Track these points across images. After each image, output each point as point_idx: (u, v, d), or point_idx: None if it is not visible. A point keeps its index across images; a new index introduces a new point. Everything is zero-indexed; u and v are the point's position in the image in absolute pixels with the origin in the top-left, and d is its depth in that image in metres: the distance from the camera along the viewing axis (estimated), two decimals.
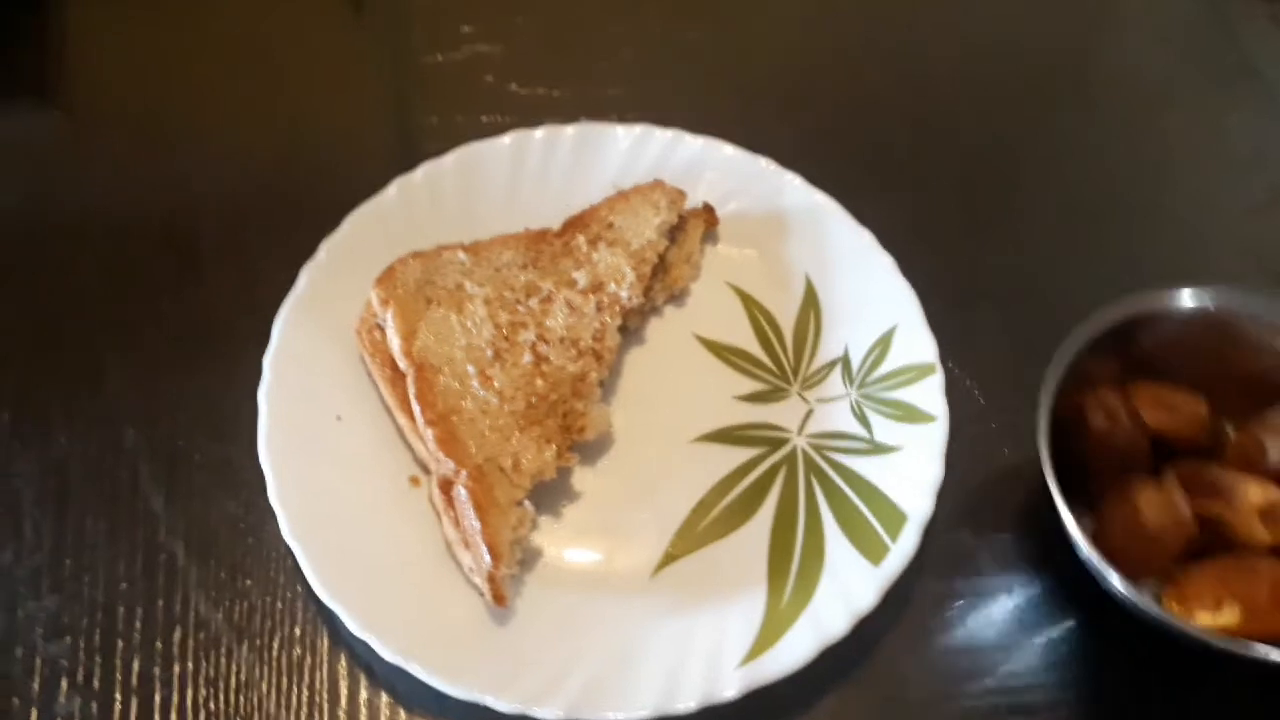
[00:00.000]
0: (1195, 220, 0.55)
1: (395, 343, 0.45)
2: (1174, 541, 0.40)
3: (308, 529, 0.42)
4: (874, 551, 0.41)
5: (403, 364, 0.45)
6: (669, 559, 0.43)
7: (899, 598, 0.42)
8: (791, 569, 0.42)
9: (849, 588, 0.41)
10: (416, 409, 0.43)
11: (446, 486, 0.42)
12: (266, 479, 0.43)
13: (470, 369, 0.45)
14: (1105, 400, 0.42)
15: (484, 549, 0.40)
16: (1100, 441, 0.41)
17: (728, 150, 0.52)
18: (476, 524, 0.40)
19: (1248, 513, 0.39)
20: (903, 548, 0.41)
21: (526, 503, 0.42)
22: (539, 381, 0.45)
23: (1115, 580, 0.38)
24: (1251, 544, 0.40)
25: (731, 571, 0.42)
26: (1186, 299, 0.43)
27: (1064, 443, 0.40)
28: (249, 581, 0.44)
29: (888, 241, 0.49)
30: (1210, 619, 0.38)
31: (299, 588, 0.43)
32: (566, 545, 0.43)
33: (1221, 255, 0.54)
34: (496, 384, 0.44)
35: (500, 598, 0.40)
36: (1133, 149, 0.58)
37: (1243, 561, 0.39)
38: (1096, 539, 0.39)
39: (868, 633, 0.41)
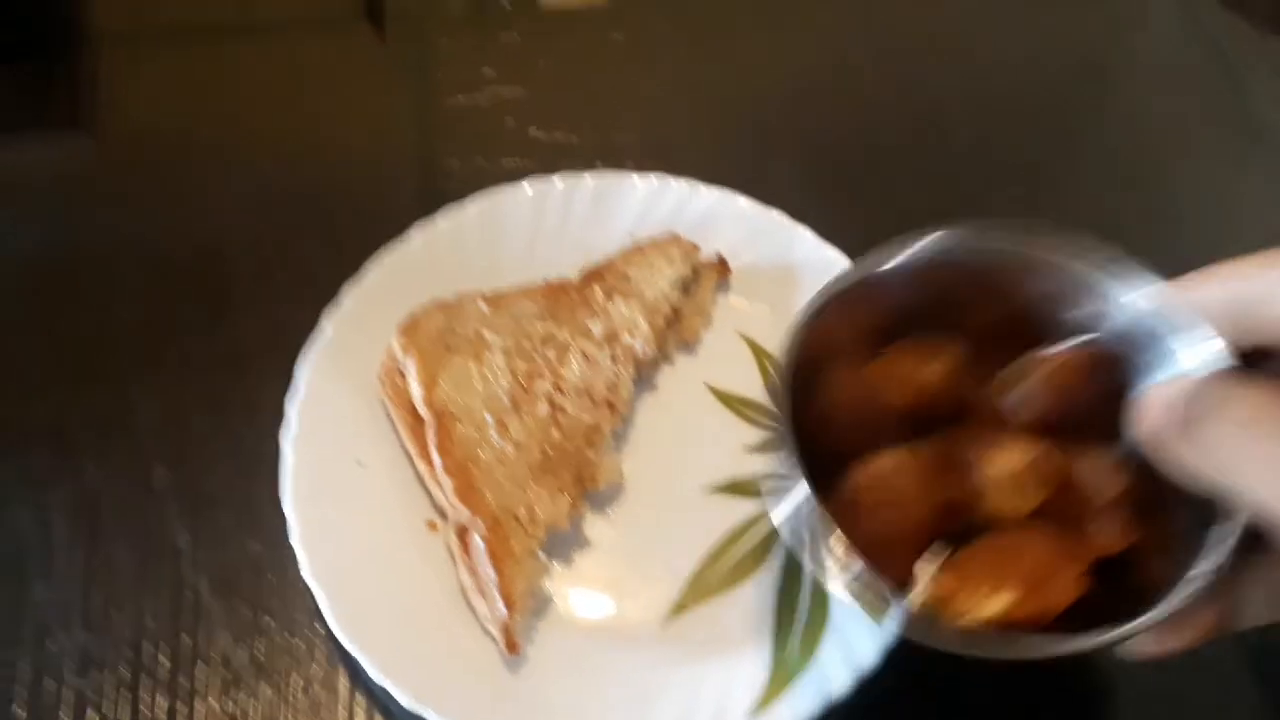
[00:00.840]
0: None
1: (416, 391, 0.46)
2: (910, 518, 0.36)
3: (328, 572, 0.43)
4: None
5: (423, 412, 0.46)
6: (679, 609, 0.44)
7: (903, 655, 0.43)
8: (797, 624, 0.43)
9: (852, 645, 0.42)
10: (436, 458, 0.45)
11: (463, 534, 0.44)
12: (289, 522, 0.44)
13: (488, 418, 0.46)
14: (831, 380, 0.38)
15: (499, 599, 0.41)
16: (828, 427, 0.38)
17: (741, 203, 0.53)
18: (492, 574, 0.42)
19: (999, 482, 0.36)
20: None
21: (541, 553, 0.44)
22: (554, 431, 0.46)
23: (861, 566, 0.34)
24: (1010, 516, 0.36)
25: (740, 623, 0.44)
26: (922, 249, 0.39)
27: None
28: (271, 620, 0.45)
29: None
30: (982, 609, 0.34)
31: (319, 626, 0.45)
32: (578, 593, 0.45)
33: None
34: (513, 433, 0.46)
35: (513, 646, 0.42)
36: (1143, 202, 0.59)
37: (1009, 538, 0.36)
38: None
39: (874, 690, 0.42)
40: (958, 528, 0.37)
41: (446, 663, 0.42)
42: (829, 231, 0.52)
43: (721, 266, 0.52)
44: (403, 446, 0.47)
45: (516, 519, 0.44)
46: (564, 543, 0.46)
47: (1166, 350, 0.35)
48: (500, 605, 0.42)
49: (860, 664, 0.41)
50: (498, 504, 0.44)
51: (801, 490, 0.35)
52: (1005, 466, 0.36)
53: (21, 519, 0.47)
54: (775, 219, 0.53)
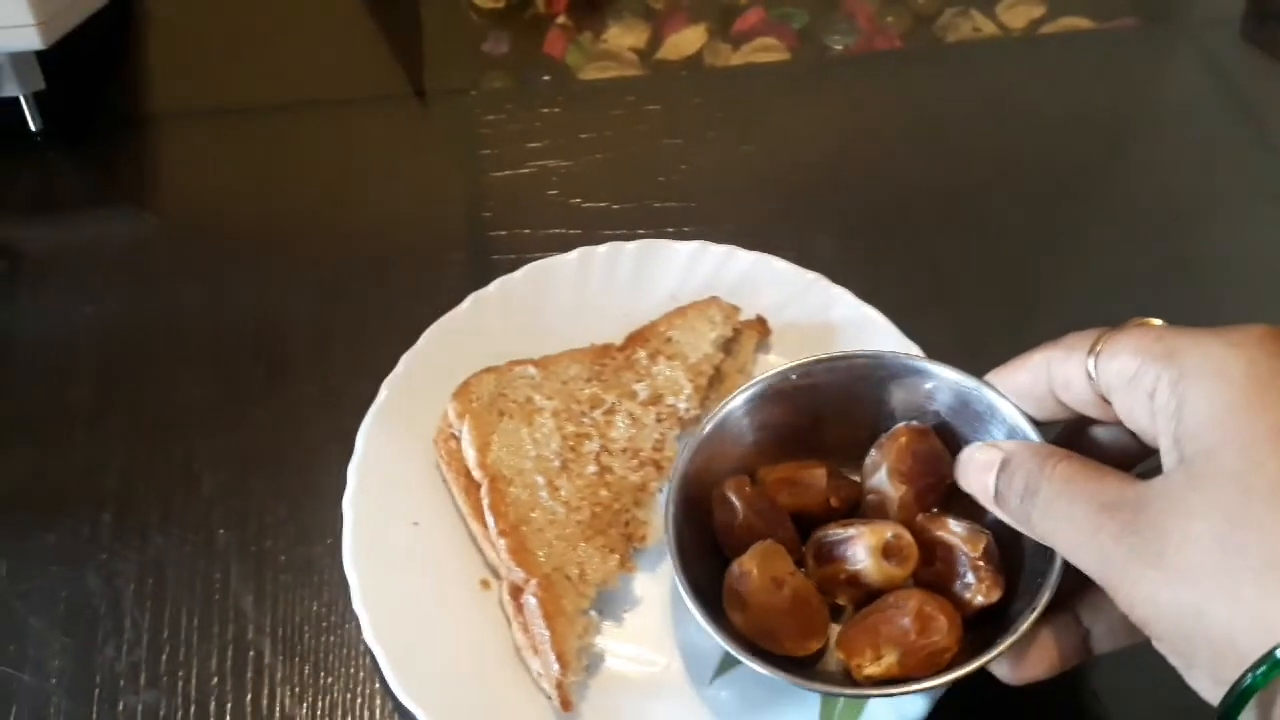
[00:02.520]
0: None
1: (470, 455, 0.48)
2: (773, 603, 0.41)
3: (387, 633, 0.44)
4: None
5: (477, 475, 0.48)
6: (727, 664, 0.45)
7: (953, 704, 0.43)
8: None
9: (900, 697, 0.42)
10: (490, 519, 0.46)
11: (516, 594, 0.45)
12: (350, 584, 0.45)
13: (539, 479, 0.47)
14: (723, 492, 0.44)
15: (552, 657, 0.43)
16: (728, 534, 0.44)
17: (778, 265, 0.55)
18: (545, 633, 0.43)
19: (869, 558, 0.42)
20: None
21: (592, 611, 0.45)
22: (603, 491, 0.48)
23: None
24: (891, 584, 0.42)
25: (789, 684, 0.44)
26: (781, 375, 0.46)
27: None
28: (330, 678, 0.47)
29: (934, 354, 0.52)
30: (874, 668, 0.40)
31: (377, 684, 0.46)
32: (629, 650, 0.46)
33: None
34: (563, 494, 0.47)
35: (567, 703, 0.43)
36: (1171, 259, 0.60)
37: (887, 603, 0.41)
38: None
39: None
40: (858, 599, 0.43)
41: (507, 713, 0.43)
42: (866, 293, 0.54)
43: (761, 326, 0.54)
44: (456, 507, 0.49)
45: (568, 578, 0.45)
46: (615, 600, 0.47)
47: (1001, 424, 0.42)
48: (554, 663, 0.43)
49: (908, 716, 0.42)
50: (549, 564, 0.45)
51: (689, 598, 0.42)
52: (870, 544, 0.42)
53: (92, 582, 0.49)
54: (812, 280, 0.54)
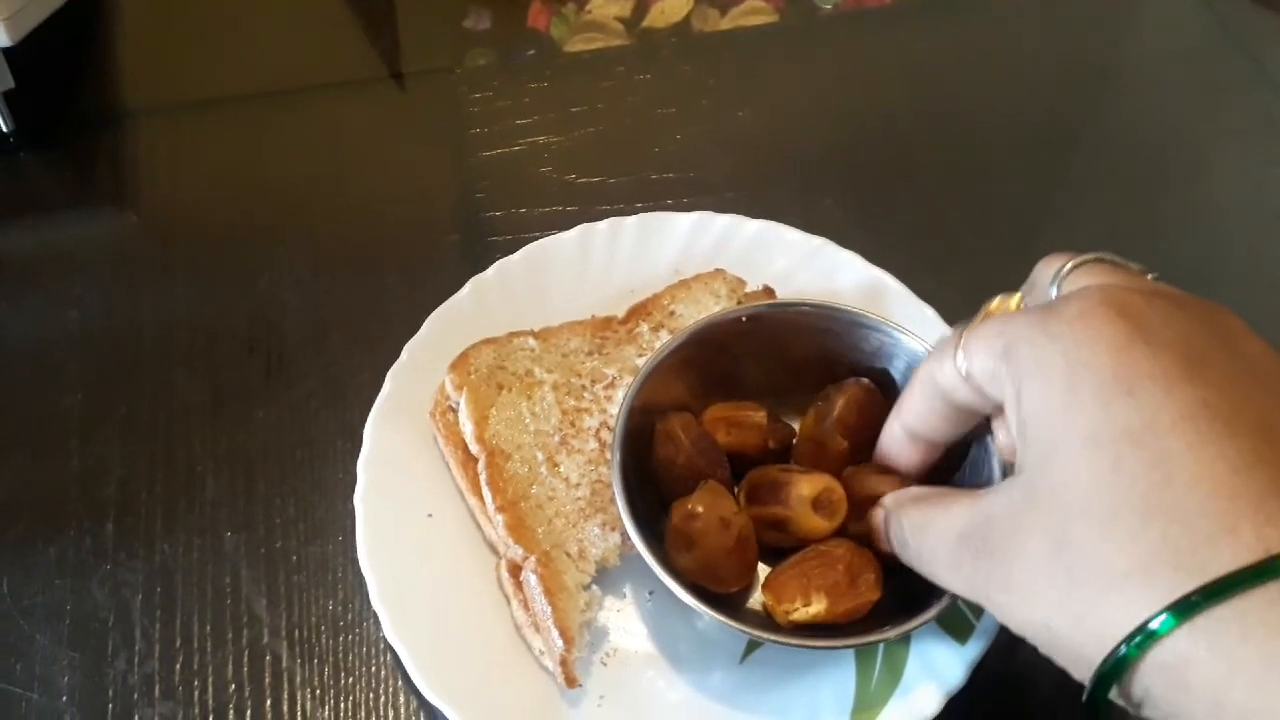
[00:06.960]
0: (1249, 283, 0.56)
1: (468, 428, 0.47)
2: (720, 543, 0.41)
3: (408, 628, 0.43)
4: (959, 630, 0.42)
5: (475, 449, 0.46)
6: (754, 644, 0.44)
7: (989, 671, 0.42)
8: (879, 650, 0.43)
9: (937, 666, 0.42)
10: (487, 495, 0.45)
11: (515, 571, 0.44)
12: (367, 581, 0.44)
13: (539, 455, 0.46)
14: (669, 427, 0.44)
15: (555, 633, 0.41)
16: (669, 469, 0.44)
17: (784, 232, 0.54)
18: (548, 609, 0.42)
19: (801, 507, 0.42)
20: (988, 624, 0.42)
21: (594, 586, 0.44)
22: (604, 468, 0.46)
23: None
24: (816, 535, 0.42)
25: (820, 654, 0.43)
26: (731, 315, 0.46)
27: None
28: (351, 678, 0.45)
29: (946, 313, 0.51)
30: (802, 614, 0.40)
31: (400, 682, 0.45)
32: (638, 627, 0.45)
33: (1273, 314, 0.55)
34: (563, 470, 0.46)
35: (572, 680, 0.41)
36: (1177, 202, 0.59)
37: (818, 551, 0.41)
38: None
39: (959, 710, 0.42)
40: (785, 544, 0.43)
41: (538, 708, 0.42)
42: (874, 254, 0.53)
43: (769, 297, 0.52)
44: (458, 489, 0.47)
45: (567, 555, 0.44)
46: (618, 576, 0.45)
47: None
48: (558, 639, 0.41)
49: (949, 684, 0.41)
50: (548, 541, 0.44)
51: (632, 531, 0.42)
52: (804, 493, 0.42)
53: (98, 594, 0.47)
54: (819, 245, 0.53)
